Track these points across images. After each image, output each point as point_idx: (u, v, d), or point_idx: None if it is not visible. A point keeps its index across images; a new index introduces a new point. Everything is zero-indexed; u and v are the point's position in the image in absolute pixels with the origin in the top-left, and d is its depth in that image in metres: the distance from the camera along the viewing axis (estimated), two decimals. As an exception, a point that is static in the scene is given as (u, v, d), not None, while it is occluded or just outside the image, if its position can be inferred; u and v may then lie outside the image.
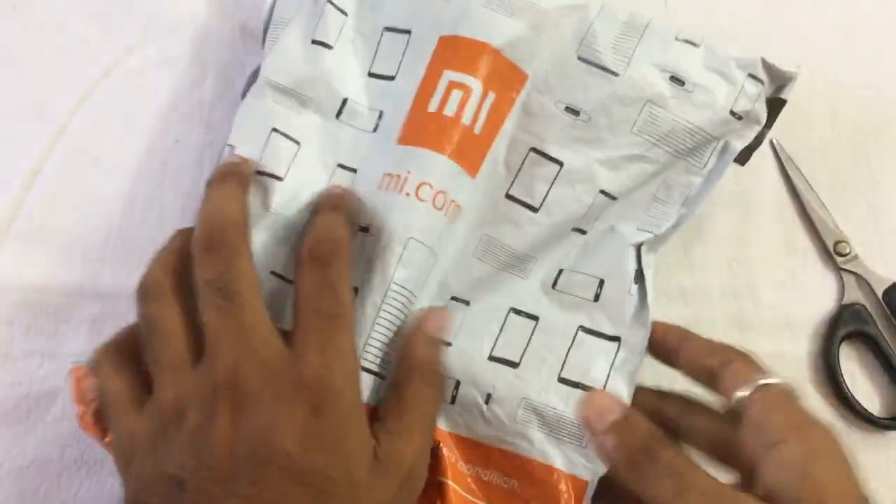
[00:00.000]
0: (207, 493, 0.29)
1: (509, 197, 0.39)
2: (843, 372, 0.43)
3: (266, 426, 0.29)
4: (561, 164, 0.38)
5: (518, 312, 0.38)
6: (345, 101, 0.39)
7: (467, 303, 0.39)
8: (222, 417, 0.29)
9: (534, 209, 0.39)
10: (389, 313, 0.35)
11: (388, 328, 0.35)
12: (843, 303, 0.44)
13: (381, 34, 0.40)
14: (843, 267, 0.44)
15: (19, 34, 0.49)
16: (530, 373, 0.37)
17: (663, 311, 0.44)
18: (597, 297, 0.38)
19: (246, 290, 0.32)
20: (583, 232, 0.39)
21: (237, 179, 0.35)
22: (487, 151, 0.38)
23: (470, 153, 0.38)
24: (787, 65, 0.39)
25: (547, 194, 0.38)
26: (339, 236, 0.34)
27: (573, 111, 0.38)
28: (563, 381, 0.37)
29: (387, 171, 0.36)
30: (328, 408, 0.30)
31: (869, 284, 0.44)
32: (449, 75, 0.37)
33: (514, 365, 0.37)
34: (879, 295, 0.43)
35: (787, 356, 0.43)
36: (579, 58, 0.38)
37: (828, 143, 0.47)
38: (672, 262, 0.45)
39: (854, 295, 0.44)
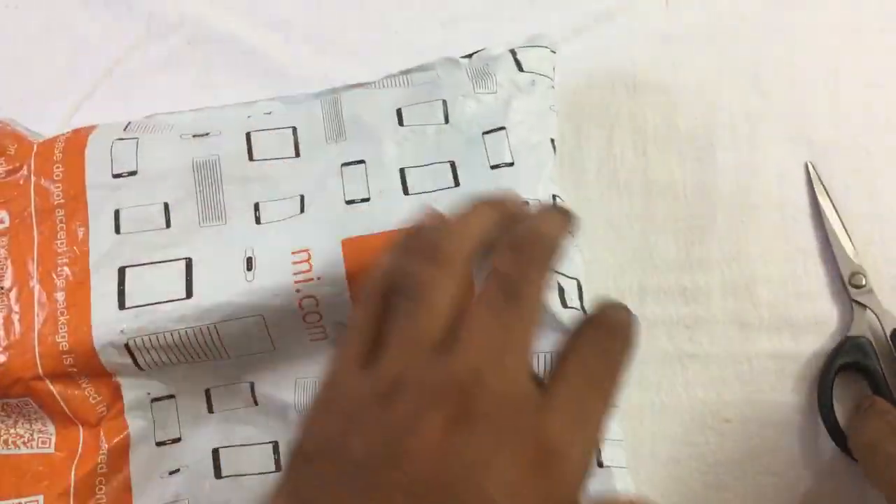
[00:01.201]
0: (385, 495, 0.25)
1: None
2: (838, 403, 0.42)
3: (477, 461, 0.25)
4: None
5: (275, 450, 0.40)
6: None
7: (256, 402, 0.40)
8: (433, 424, 0.25)
9: None
10: None
11: None
12: (847, 334, 0.43)
13: None
14: (855, 299, 0.43)
15: (21, 34, 0.49)
16: None
17: (663, 310, 0.44)
18: None
19: (533, 305, 0.28)
20: None
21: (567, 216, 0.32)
22: None
23: None
24: None
25: None
26: None
27: None
28: None
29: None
30: (556, 476, 0.26)
31: (880, 320, 0.42)
32: None
33: None
34: (888, 332, 0.42)
35: (787, 356, 0.43)
36: None
37: (828, 142, 0.46)
38: (672, 261, 0.45)
39: (861, 328, 0.42)
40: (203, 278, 0.38)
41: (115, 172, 0.39)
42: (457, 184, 0.39)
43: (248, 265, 0.38)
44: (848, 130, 0.47)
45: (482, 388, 0.26)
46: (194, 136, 0.41)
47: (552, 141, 0.41)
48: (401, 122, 0.40)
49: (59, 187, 0.39)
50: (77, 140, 0.41)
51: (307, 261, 0.38)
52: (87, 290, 0.38)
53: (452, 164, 0.39)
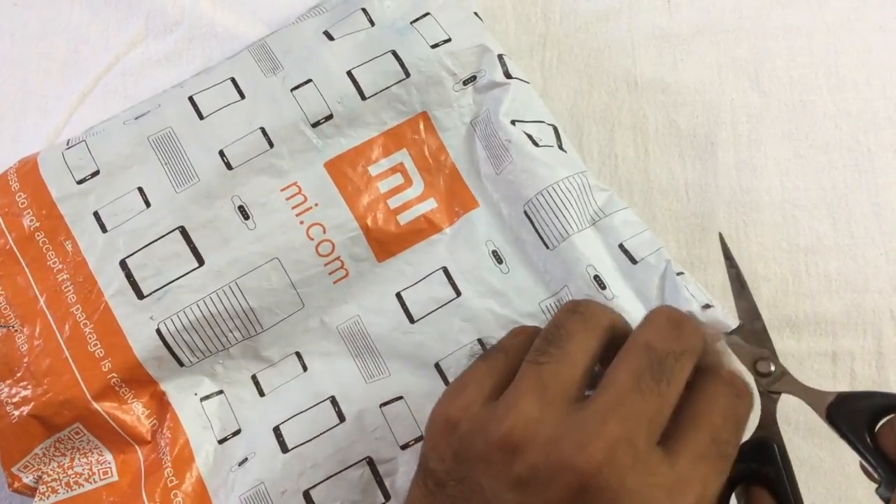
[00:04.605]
0: None
1: (398, 296, 0.40)
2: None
3: None
4: (459, 294, 0.39)
5: (334, 403, 0.39)
6: None
7: (305, 368, 0.40)
8: (559, 492, 0.25)
9: (412, 320, 0.39)
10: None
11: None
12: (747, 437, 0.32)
13: None
14: (769, 390, 0.33)
15: (21, 31, 0.49)
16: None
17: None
18: None
19: (678, 388, 0.27)
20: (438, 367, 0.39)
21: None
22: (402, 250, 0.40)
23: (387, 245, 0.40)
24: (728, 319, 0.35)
25: (430, 314, 0.39)
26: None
27: (498, 258, 0.39)
28: None
29: None
30: None
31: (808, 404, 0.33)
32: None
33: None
34: (823, 414, 0.32)
35: (788, 355, 0.43)
36: (525, 213, 0.39)
37: (829, 140, 0.46)
38: (674, 260, 0.44)
39: (766, 426, 0.33)
40: (206, 242, 0.38)
41: (78, 179, 0.39)
42: (406, 74, 0.40)
43: (243, 214, 0.39)
44: (849, 129, 0.47)
45: (612, 465, 0.25)
46: (136, 118, 0.41)
47: (476, 14, 0.43)
48: (331, 39, 0.41)
49: (29, 213, 0.39)
50: (27, 166, 0.40)
51: (299, 193, 0.39)
52: (100, 294, 0.38)
53: (394, 52, 0.40)
